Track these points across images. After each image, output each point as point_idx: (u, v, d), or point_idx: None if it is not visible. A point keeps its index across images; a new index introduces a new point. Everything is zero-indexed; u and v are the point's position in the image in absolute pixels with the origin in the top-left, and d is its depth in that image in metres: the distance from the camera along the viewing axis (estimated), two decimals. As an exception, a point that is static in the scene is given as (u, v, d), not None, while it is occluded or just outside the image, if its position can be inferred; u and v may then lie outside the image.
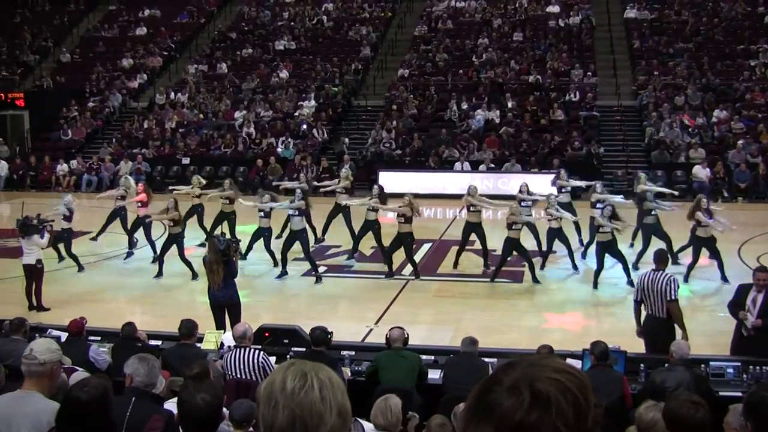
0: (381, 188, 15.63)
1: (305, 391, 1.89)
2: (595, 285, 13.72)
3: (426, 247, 16.90)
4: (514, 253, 13.98)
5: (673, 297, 9.08)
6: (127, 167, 25.90)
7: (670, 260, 11.05)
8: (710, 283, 13.88)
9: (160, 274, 14.75)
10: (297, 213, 14.55)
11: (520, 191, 15.86)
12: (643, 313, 9.43)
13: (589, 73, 28.30)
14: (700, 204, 13.74)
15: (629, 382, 7.48)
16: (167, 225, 14.93)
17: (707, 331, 11.26)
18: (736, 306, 9.04)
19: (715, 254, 13.91)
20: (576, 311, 12.90)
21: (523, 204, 15.23)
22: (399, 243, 14.49)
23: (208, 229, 16.47)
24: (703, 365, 8.06)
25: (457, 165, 24.65)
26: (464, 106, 27.24)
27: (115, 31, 35.23)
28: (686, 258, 14.28)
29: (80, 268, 15.15)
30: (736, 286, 9.56)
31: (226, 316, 10.58)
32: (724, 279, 13.62)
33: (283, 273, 14.64)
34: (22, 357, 4.39)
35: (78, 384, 4.08)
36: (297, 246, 14.53)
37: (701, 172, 22.75)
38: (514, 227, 13.85)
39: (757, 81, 26.77)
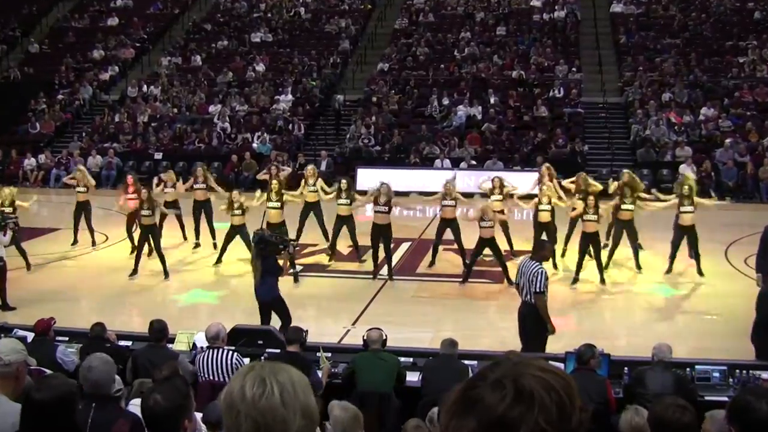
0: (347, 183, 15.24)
1: (265, 398, 1.86)
2: (575, 281, 13.76)
3: (405, 246, 16.47)
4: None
5: (538, 289, 9.26)
6: (96, 162, 25.27)
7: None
8: (693, 285, 13.82)
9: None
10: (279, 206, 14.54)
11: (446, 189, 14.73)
12: None
13: (574, 69, 27.92)
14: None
15: (612, 386, 7.40)
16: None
17: (692, 333, 11.42)
18: None
19: (693, 242, 13.91)
20: (556, 313, 12.54)
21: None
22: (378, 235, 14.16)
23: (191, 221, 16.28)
24: (688, 369, 8.06)
25: (438, 162, 24.16)
26: (445, 101, 26.78)
27: (85, 21, 34.67)
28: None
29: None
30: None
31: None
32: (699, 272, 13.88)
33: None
34: None
35: (36, 384, 4.01)
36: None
37: (688, 172, 21.51)
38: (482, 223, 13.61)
39: (745, 78, 26.41)
